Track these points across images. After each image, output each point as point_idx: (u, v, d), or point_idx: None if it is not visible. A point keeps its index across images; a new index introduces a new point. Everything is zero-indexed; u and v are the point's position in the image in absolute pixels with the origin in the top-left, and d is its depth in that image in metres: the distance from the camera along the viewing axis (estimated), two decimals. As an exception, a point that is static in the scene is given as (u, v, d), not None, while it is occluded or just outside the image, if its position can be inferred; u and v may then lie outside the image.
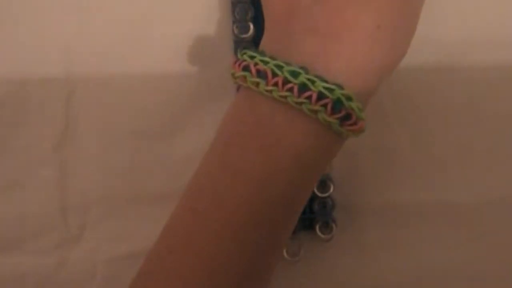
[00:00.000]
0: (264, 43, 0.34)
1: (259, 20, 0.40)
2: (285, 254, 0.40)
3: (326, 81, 0.31)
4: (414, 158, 0.41)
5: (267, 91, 0.31)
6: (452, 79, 0.42)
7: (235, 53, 0.40)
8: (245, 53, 0.33)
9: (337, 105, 0.31)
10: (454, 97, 0.42)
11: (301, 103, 0.31)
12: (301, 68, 0.31)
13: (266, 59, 0.32)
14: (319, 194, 0.40)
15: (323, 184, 0.40)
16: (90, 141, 0.41)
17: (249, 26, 0.40)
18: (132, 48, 0.41)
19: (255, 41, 0.41)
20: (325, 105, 0.30)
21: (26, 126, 0.41)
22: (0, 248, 0.41)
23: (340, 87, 0.31)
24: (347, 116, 0.31)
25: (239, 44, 0.40)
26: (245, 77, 0.32)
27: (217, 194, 0.32)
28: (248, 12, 0.40)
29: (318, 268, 0.41)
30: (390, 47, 0.32)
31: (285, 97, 0.31)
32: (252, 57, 0.32)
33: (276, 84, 0.31)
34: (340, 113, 0.31)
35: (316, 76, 0.31)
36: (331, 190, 0.40)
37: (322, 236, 0.40)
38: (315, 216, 0.40)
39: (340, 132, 0.32)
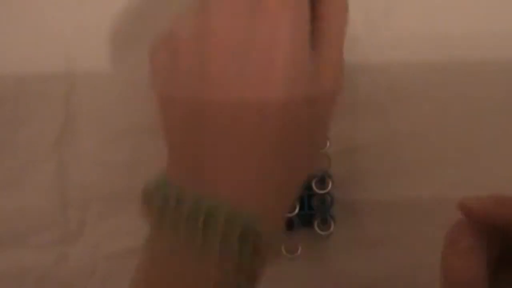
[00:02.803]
0: (169, 170, 0.32)
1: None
2: (283, 251, 0.41)
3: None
4: (414, 155, 0.41)
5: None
6: (453, 77, 0.42)
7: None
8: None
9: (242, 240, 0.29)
10: (455, 94, 0.42)
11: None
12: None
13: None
14: (318, 191, 0.40)
15: (322, 181, 0.40)
16: (90, 138, 0.42)
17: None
18: (131, 45, 0.41)
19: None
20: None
21: (26, 122, 0.41)
22: (0, 243, 0.41)
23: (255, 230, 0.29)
24: (256, 249, 0.30)
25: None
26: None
27: None
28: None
29: (317, 265, 0.41)
30: (289, 173, 0.32)
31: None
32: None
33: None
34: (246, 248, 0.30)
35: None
36: (330, 186, 0.40)
37: (321, 232, 0.40)
38: (314, 212, 0.40)
39: (252, 267, 0.31)
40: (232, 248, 0.29)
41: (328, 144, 0.40)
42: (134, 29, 0.41)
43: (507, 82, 0.42)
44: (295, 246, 0.41)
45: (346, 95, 0.41)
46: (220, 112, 0.31)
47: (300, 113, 0.31)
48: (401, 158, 0.41)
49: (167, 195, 0.30)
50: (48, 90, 0.41)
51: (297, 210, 0.40)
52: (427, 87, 0.41)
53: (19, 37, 0.42)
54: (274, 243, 0.31)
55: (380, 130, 0.41)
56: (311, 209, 0.40)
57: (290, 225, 0.40)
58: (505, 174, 0.42)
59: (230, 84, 0.30)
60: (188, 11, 0.32)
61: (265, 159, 0.31)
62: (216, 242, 0.29)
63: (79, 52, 0.42)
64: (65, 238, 0.41)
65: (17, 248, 0.41)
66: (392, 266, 0.41)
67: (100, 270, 0.41)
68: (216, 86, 0.30)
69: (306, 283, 0.41)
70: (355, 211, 0.41)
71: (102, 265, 0.41)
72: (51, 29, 0.42)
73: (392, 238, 0.41)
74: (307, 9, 0.32)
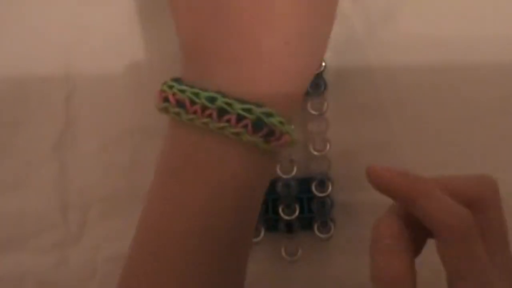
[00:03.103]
0: (182, 73, 0.34)
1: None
2: (283, 253, 0.41)
3: (244, 102, 0.31)
4: (414, 157, 0.41)
5: (188, 120, 0.31)
6: (454, 80, 0.41)
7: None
8: (165, 84, 0.33)
9: (258, 124, 0.31)
10: (456, 97, 0.41)
11: (222, 128, 0.31)
12: (218, 93, 0.31)
13: (184, 88, 0.32)
14: (318, 194, 0.40)
15: (322, 184, 0.40)
16: (90, 140, 0.41)
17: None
18: (131, 47, 0.41)
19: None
20: (245, 126, 0.31)
21: (26, 125, 0.41)
22: (0, 246, 0.41)
23: (259, 105, 0.31)
24: (271, 133, 0.31)
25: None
26: (167, 108, 0.32)
27: (163, 228, 0.33)
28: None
29: (317, 268, 0.41)
30: (303, 58, 0.33)
31: (206, 123, 0.31)
32: (170, 87, 0.32)
33: (195, 112, 0.31)
34: (262, 131, 0.31)
35: (234, 99, 0.31)
36: (330, 189, 0.40)
37: (321, 235, 0.40)
38: (314, 215, 0.40)
39: (268, 149, 0.32)
40: (247, 131, 0.31)
41: (328, 146, 0.40)
42: (135, 32, 0.41)
43: (509, 85, 0.41)
44: (295, 249, 0.41)
45: (346, 98, 0.41)
46: None
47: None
48: (402, 161, 0.41)
49: (183, 90, 0.31)
50: (48, 93, 0.41)
51: (297, 213, 0.40)
52: (427, 90, 0.41)
53: (19, 40, 0.41)
54: (287, 128, 0.32)
55: (381, 133, 0.41)
56: (311, 212, 0.40)
57: (290, 228, 0.40)
58: (505, 178, 0.42)
59: None
60: None
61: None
62: (231, 128, 0.31)
63: (79, 54, 0.41)
64: (65, 240, 0.41)
65: (17, 251, 0.41)
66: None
67: (101, 273, 0.42)
68: None
69: (306, 286, 0.41)
70: (355, 214, 0.41)
71: (103, 267, 0.41)
72: (51, 32, 0.41)
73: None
74: None
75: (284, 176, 0.40)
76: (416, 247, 0.31)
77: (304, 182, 0.40)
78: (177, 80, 0.33)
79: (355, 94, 0.41)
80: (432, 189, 0.30)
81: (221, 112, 0.31)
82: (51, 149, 0.41)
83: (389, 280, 0.29)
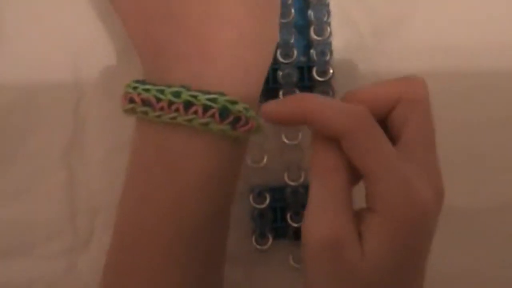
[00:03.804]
0: (144, 74, 0.35)
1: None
2: (291, 261, 0.41)
3: (209, 93, 0.32)
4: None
5: (156, 117, 0.32)
6: (461, 87, 0.41)
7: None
8: (128, 85, 0.34)
9: (224, 112, 0.32)
10: (463, 104, 0.41)
11: (190, 120, 0.32)
12: (182, 87, 0.32)
13: (148, 87, 0.33)
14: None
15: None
16: (99, 147, 0.42)
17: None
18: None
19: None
20: (212, 115, 0.32)
21: (35, 132, 0.41)
22: (9, 253, 0.41)
23: (222, 94, 0.32)
24: (237, 120, 0.32)
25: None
26: (133, 109, 0.33)
27: (137, 224, 0.34)
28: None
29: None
30: (257, 47, 0.34)
31: (174, 118, 0.32)
32: (135, 88, 0.33)
33: (162, 109, 0.32)
34: (228, 119, 0.32)
35: (198, 91, 0.32)
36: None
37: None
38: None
39: (236, 136, 0.33)
40: (214, 120, 0.32)
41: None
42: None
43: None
44: (301, 256, 0.41)
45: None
46: None
47: None
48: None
49: (148, 89, 0.33)
50: (57, 100, 0.41)
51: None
52: (436, 97, 0.41)
53: (28, 47, 0.42)
54: (252, 113, 0.33)
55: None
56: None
57: (298, 235, 0.40)
58: (509, 184, 0.42)
59: None
60: None
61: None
62: (199, 119, 0.32)
63: (88, 62, 0.42)
64: (73, 247, 0.41)
65: (25, 257, 0.41)
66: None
67: (109, 279, 0.42)
68: None
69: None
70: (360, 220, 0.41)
71: (111, 274, 0.42)
72: (60, 39, 0.42)
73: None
74: None
75: (292, 183, 0.40)
76: None
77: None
78: (139, 81, 0.34)
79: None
80: (321, 100, 0.31)
81: (187, 105, 0.32)
82: (60, 156, 0.42)
83: (325, 169, 0.30)
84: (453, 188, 0.41)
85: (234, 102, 0.32)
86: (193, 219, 0.33)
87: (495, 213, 0.42)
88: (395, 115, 0.32)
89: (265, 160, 0.41)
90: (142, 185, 0.34)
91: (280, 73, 0.40)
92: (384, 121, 0.33)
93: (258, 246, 0.41)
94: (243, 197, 0.41)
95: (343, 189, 0.30)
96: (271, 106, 0.32)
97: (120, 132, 0.41)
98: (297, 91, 0.40)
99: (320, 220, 0.30)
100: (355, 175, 0.31)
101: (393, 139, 0.32)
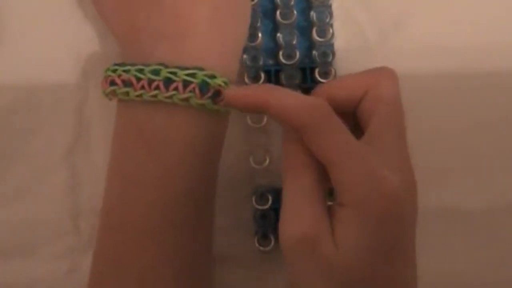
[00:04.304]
0: (122, 57, 0.35)
1: (267, 29, 0.41)
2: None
3: (187, 69, 0.32)
4: (419, 164, 0.41)
5: (137, 96, 0.33)
6: (464, 85, 0.41)
7: (243, 60, 0.40)
8: (108, 69, 0.35)
9: (203, 86, 0.33)
10: (465, 105, 0.41)
11: (171, 96, 0.32)
12: (160, 65, 0.33)
13: (127, 68, 0.33)
14: (327, 202, 0.40)
15: (331, 191, 0.40)
16: (102, 148, 0.42)
17: (257, 35, 0.40)
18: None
19: (264, 49, 0.41)
20: (193, 90, 0.32)
21: (38, 132, 0.42)
22: (12, 254, 0.41)
23: (201, 69, 0.32)
24: (217, 93, 0.33)
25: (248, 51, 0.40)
26: (114, 91, 0.34)
27: (124, 207, 0.34)
28: (258, 19, 0.40)
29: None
30: (232, 21, 0.35)
31: (155, 95, 0.33)
32: (114, 71, 0.34)
33: (143, 87, 0.33)
34: (208, 93, 0.33)
35: (177, 67, 0.32)
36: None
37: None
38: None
39: (217, 110, 0.33)
40: (194, 95, 0.33)
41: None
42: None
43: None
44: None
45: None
46: None
47: None
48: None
49: (128, 70, 0.33)
50: (61, 101, 0.42)
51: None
52: (438, 97, 0.41)
53: (32, 47, 0.42)
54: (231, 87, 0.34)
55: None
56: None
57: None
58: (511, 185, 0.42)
59: None
60: None
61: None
62: (179, 95, 0.33)
63: (91, 62, 0.42)
64: (76, 247, 0.42)
65: (28, 258, 0.41)
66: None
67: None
68: None
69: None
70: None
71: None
72: (64, 40, 0.42)
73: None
74: None
75: (294, 184, 0.40)
76: None
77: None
78: (119, 64, 0.34)
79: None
80: (280, 93, 0.31)
81: (167, 82, 0.32)
82: (63, 156, 0.42)
83: (296, 165, 0.31)
84: (452, 190, 0.42)
85: (213, 76, 0.33)
86: (178, 196, 0.34)
87: (495, 215, 0.42)
88: (362, 107, 0.32)
89: (267, 161, 0.41)
90: (126, 165, 0.35)
91: (282, 74, 0.40)
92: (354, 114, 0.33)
93: (260, 248, 0.41)
94: (246, 199, 0.41)
95: (314, 185, 0.31)
96: (234, 91, 0.32)
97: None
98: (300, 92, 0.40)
99: (293, 218, 0.30)
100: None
101: (363, 131, 0.32)
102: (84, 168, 0.42)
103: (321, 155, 0.30)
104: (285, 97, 0.31)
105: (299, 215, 0.30)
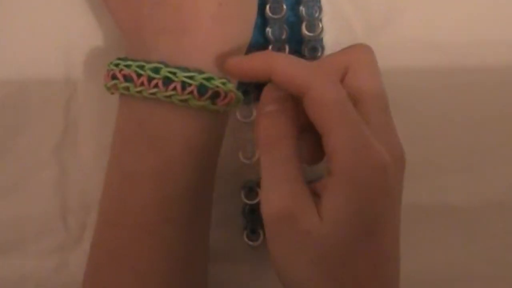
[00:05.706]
0: (126, 52, 0.35)
1: (257, 23, 0.41)
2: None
3: (187, 70, 0.32)
4: (413, 160, 0.41)
5: (137, 92, 0.33)
6: (453, 84, 0.41)
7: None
8: (110, 63, 0.34)
9: (202, 88, 0.33)
10: (455, 101, 0.41)
11: (170, 96, 0.32)
12: (161, 63, 0.32)
13: (129, 63, 0.33)
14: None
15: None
16: (90, 143, 0.42)
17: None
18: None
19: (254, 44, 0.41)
20: (191, 92, 0.32)
21: (26, 128, 0.41)
22: (0, 250, 0.41)
23: (200, 71, 0.32)
24: (216, 94, 0.33)
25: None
26: (115, 85, 0.34)
27: (122, 201, 0.34)
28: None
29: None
30: (236, 18, 0.35)
31: (154, 93, 0.32)
32: (117, 65, 0.34)
33: (142, 84, 0.33)
34: (207, 94, 0.33)
35: (177, 68, 0.32)
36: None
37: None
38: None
39: (215, 109, 0.33)
40: (193, 96, 0.32)
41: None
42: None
43: (508, 89, 0.41)
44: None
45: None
46: None
47: None
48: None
49: (129, 65, 0.33)
50: (49, 96, 0.41)
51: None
52: (427, 94, 0.41)
53: (20, 42, 0.41)
54: (230, 87, 0.34)
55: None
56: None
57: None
58: (504, 181, 0.42)
59: None
60: None
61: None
62: (178, 96, 0.32)
63: (79, 58, 0.41)
64: (65, 244, 0.41)
65: (17, 254, 0.41)
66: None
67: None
68: None
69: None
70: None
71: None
72: (52, 35, 0.41)
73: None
74: None
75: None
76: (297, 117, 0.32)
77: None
78: (122, 58, 0.34)
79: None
80: (285, 57, 0.32)
81: (167, 81, 0.32)
82: (51, 152, 0.41)
83: (270, 140, 0.31)
84: (445, 186, 0.42)
85: (211, 79, 0.33)
86: (176, 192, 0.34)
87: (488, 211, 0.42)
88: (345, 84, 0.32)
89: (256, 156, 0.41)
90: (125, 161, 0.35)
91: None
92: None
93: (249, 242, 0.41)
94: (234, 193, 0.41)
95: (291, 158, 0.31)
96: (236, 59, 0.32)
97: (112, 128, 0.41)
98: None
99: (272, 192, 0.30)
100: (316, 153, 0.32)
101: None
102: (73, 164, 0.42)
103: (319, 120, 0.30)
104: (289, 61, 0.31)
105: (277, 189, 0.30)
